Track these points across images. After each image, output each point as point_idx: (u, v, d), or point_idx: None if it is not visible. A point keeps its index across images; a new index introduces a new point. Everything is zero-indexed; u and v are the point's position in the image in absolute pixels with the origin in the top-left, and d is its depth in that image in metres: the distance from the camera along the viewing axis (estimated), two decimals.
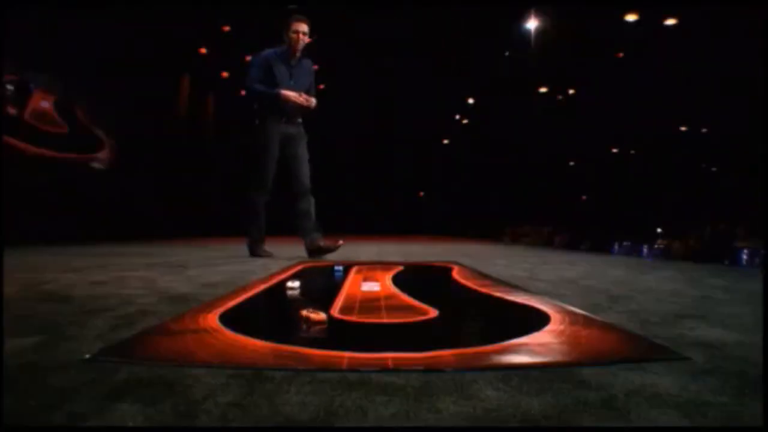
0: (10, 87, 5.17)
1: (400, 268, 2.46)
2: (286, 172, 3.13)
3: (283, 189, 3.14)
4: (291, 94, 3.01)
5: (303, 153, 3.15)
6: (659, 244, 3.99)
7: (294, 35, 3.06)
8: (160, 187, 7.83)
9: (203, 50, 8.82)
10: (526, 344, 0.92)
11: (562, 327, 1.06)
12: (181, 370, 0.76)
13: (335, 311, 1.26)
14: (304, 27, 3.07)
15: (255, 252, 3.14)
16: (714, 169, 9.63)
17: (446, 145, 14.87)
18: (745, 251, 3.07)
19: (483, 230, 9.82)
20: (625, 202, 9.72)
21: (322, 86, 9.86)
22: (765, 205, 4.30)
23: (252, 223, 3.14)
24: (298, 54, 3.13)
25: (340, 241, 3.15)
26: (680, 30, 7.06)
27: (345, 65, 9.77)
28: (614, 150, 11.38)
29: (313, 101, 3.13)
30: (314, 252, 3.09)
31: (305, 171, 3.13)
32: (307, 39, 3.09)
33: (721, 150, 8.73)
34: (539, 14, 7.62)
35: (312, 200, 3.14)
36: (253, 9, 7.60)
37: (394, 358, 0.82)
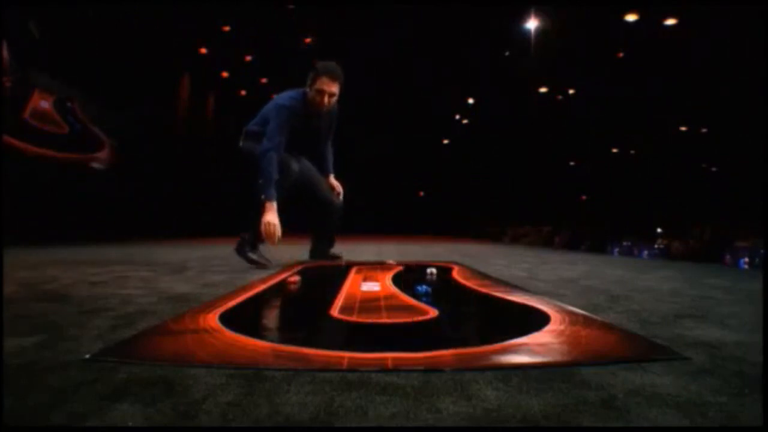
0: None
1: (400, 268, 2.47)
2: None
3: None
4: (270, 225, 2.30)
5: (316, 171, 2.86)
6: (659, 243, 3.99)
7: (318, 96, 2.45)
8: (160, 187, 7.83)
9: (203, 50, 8.83)
10: (526, 344, 0.92)
11: (562, 327, 1.06)
12: (181, 370, 0.76)
13: (335, 311, 1.26)
14: (333, 88, 2.45)
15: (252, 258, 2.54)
16: (714, 169, 9.63)
17: (446, 145, 14.88)
18: (745, 251, 3.07)
19: (483, 230, 9.82)
20: (625, 202, 9.72)
21: None
22: (765, 205, 4.31)
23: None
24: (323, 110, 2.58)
25: (342, 262, 2.92)
26: (680, 29, 7.06)
27: (345, 65, 9.76)
28: (614, 150, 11.39)
29: (340, 192, 2.83)
30: (321, 256, 3.02)
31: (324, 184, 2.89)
32: (334, 100, 2.51)
33: (721, 150, 8.74)
34: (539, 14, 7.62)
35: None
36: (253, 9, 7.61)
37: (394, 358, 0.82)
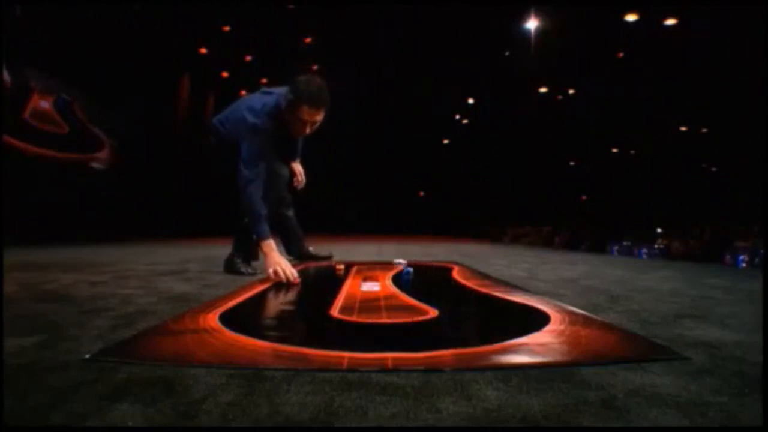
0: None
1: (400, 268, 2.46)
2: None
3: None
4: (278, 268, 1.91)
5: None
6: (659, 243, 3.99)
7: (299, 125, 2.11)
8: (160, 187, 7.83)
9: (203, 50, 8.83)
10: (525, 344, 0.92)
11: (562, 327, 1.06)
12: (181, 370, 0.76)
13: (335, 311, 1.26)
14: (317, 117, 2.10)
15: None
16: (714, 169, 9.63)
17: (446, 145, 14.88)
18: (745, 251, 3.07)
19: (483, 230, 9.82)
20: (625, 202, 9.73)
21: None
22: (765, 205, 4.31)
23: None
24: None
25: (332, 261, 2.81)
26: (680, 29, 7.07)
27: (344, 65, 9.78)
28: (614, 150, 11.40)
29: (302, 182, 2.65)
30: (308, 257, 2.98)
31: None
32: (317, 126, 2.18)
33: (721, 150, 8.74)
34: (539, 14, 7.63)
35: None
36: (253, 9, 7.61)
37: (394, 358, 0.82)
